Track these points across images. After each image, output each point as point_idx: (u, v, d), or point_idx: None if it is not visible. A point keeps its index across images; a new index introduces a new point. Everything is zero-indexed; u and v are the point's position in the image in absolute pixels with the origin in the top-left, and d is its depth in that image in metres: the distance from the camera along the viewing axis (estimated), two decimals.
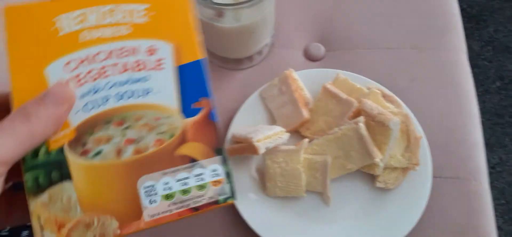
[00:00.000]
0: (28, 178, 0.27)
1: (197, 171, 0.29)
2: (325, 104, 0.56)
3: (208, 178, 0.30)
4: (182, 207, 0.29)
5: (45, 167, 0.28)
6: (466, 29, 1.35)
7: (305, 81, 0.59)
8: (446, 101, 0.61)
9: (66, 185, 0.28)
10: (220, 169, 0.30)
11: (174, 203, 0.29)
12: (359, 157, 0.51)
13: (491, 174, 1.16)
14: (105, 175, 0.28)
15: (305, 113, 0.55)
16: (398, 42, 0.66)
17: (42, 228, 0.27)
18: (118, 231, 0.27)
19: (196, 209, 0.29)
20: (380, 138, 0.51)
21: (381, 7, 0.70)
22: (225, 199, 0.30)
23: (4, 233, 0.51)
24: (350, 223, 0.53)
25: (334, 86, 0.57)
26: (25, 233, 0.51)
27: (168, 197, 0.29)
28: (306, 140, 0.54)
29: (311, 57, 0.66)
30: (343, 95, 0.55)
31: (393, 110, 0.54)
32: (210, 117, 0.30)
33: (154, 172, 0.29)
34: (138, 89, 0.30)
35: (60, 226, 0.27)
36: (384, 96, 0.56)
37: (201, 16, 0.55)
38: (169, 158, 0.29)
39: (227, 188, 0.30)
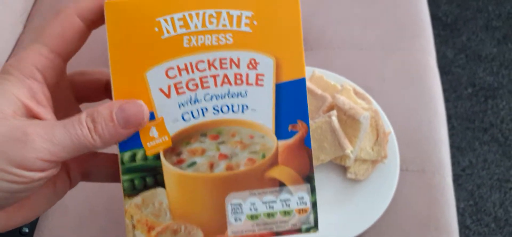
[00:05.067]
0: (125, 180, 0.28)
1: (284, 196, 0.29)
2: None
3: (294, 205, 0.29)
4: (265, 229, 0.29)
5: (141, 172, 0.28)
6: (441, 36, 1.41)
7: None
8: (414, 100, 0.65)
9: (159, 191, 0.29)
10: (307, 198, 0.30)
11: (258, 224, 0.29)
12: (332, 148, 0.55)
13: (460, 176, 1.21)
14: (196, 186, 0.29)
15: None
16: (371, 44, 0.70)
17: (134, 227, 0.29)
18: None
19: (278, 233, 0.29)
20: (351, 131, 0.55)
21: (356, 10, 0.74)
22: (308, 229, 0.30)
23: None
24: (322, 210, 0.56)
25: (310, 82, 0.60)
26: None
27: (253, 217, 0.29)
28: None
29: None
30: (318, 91, 0.58)
31: (364, 106, 0.58)
32: (304, 143, 0.29)
33: (243, 191, 0.29)
34: (235, 104, 0.29)
35: (150, 228, 0.28)
36: (356, 93, 0.60)
37: None
38: (258, 179, 0.29)
39: (311, 218, 0.30)
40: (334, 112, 0.55)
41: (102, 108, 0.26)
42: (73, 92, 0.31)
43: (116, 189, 0.30)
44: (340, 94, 0.58)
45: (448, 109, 1.30)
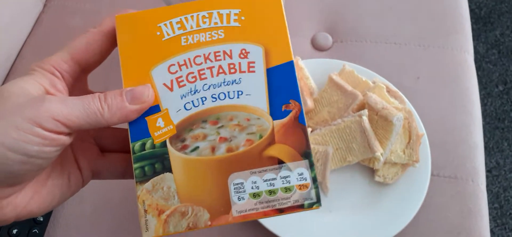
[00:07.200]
0: (136, 167, 0.31)
1: (284, 173, 0.31)
2: (330, 95, 0.56)
3: (294, 181, 0.31)
4: (268, 207, 0.30)
5: (150, 159, 0.31)
6: (473, 30, 1.35)
7: (311, 70, 0.59)
8: (449, 101, 0.61)
9: (167, 175, 0.31)
10: (307, 173, 0.31)
11: (261, 202, 0.30)
12: (361, 149, 0.52)
13: (487, 177, 1.16)
14: (201, 169, 0.31)
15: (310, 103, 0.56)
16: (406, 38, 0.66)
17: (145, 211, 0.31)
18: (209, 223, 0.30)
19: (281, 210, 0.30)
20: (382, 132, 0.52)
21: (391, 1, 0.69)
22: (310, 204, 0.30)
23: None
24: (346, 213, 0.53)
25: (340, 77, 0.57)
26: None
27: (255, 195, 0.30)
28: (309, 130, 0.54)
29: (318, 47, 0.66)
30: (349, 87, 0.55)
31: (397, 106, 0.54)
32: (298, 120, 0.31)
33: (244, 170, 0.31)
34: (231, 91, 0.32)
35: (160, 212, 0.30)
36: (389, 91, 0.56)
37: None
38: (257, 158, 0.31)
39: (313, 193, 0.30)
40: (365, 112, 0.51)
41: (115, 90, 0.30)
42: None
43: (131, 181, 0.33)
44: (372, 92, 0.54)
45: None
